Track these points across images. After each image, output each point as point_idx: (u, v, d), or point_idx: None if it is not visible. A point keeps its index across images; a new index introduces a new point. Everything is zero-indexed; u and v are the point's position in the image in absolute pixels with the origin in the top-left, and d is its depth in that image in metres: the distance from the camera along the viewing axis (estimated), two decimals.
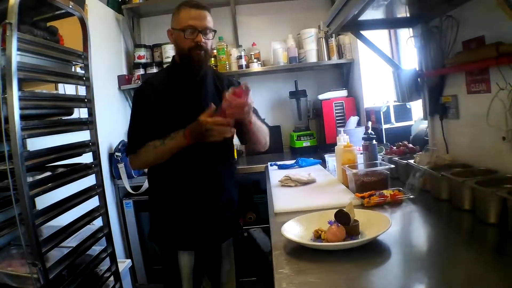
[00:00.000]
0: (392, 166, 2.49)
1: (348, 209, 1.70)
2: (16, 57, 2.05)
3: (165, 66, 4.76)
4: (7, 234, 2.48)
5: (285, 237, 1.71)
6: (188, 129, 2.38)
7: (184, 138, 2.39)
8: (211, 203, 2.65)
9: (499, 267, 1.41)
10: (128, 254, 4.51)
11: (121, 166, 4.35)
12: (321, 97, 4.65)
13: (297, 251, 1.66)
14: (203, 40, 2.55)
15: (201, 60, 2.59)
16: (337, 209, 1.72)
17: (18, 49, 2.09)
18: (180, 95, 2.62)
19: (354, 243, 1.58)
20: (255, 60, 4.98)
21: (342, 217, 1.68)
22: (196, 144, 2.40)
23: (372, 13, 2.57)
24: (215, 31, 2.68)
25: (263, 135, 2.77)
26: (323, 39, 4.87)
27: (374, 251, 1.56)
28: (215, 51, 4.98)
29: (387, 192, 2.21)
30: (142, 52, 5.16)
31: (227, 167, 2.78)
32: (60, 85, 3.28)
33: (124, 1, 5.10)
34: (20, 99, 2.09)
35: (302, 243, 1.66)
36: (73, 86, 3.29)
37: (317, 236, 1.69)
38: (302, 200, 2.45)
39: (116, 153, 4.39)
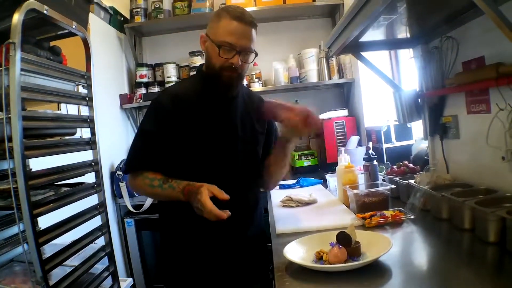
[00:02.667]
0: (393, 186, 2.50)
1: (350, 231, 1.70)
2: (19, 77, 2.07)
3: (191, 75, 4.85)
4: (9, 251, 2.49)
5: (287, 258, 1.72)
6: (189, 187, 2.02)
7: (182, 194, 2.04)
8: (240, 237, 2.32)
9: (499, 285, 1.42)
10: (129, 273, 4.51)
11: (122, 185, 4.36)
12: (322, 116, 4.65)
13: (299, 272, 1.67)
14: (239, 62, 2.17)
15: (230, 84, 2.24)
16: (338, 230, 1.73)
17: (22, 69, 2.10)
18: (205, 115, 2.26)
19: (355, 264, 1.59)
20: (256, 80, 5.01)
21: (343, 238, 1.68)
22: (220, 165, 2.21)
23: (373, 34, 2.59)
24: (256, 54, 2.28)
25: (288, 165, 2.48)
26: (324, 59, 4.91)
27: (376, 272, 1.57)
28: None
29: (388, 213, 2.21)
30: (144, 71, 5.18)
31: (255, 192, 2.48)
32: (62, 104, 3.30)
33: (126, 20, 5.14)
34: (23, 118, 2.10)
35: (304, 265, 1.67)
36: (76, 105, 3.31)
37: (319, 258, 1.69)
38: (304, 221, 2.44)
39: (118, 172, 4.40)
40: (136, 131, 5.16)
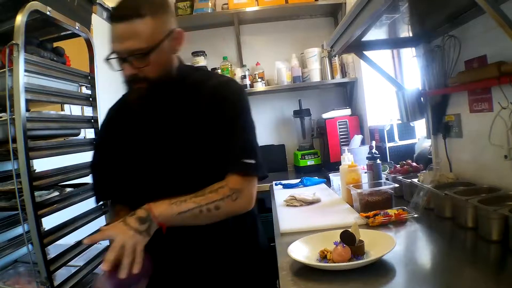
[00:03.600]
0: (396, 185, 2.50)
1: (353, 230, 1.71)
2: (23, 78, 2.08)
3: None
4: (14, 251, 2.50)
5: (291, 257, 1.73)
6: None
7: None
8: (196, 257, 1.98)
9: (502, 283, 1.43)
10: None
11: None
12: (325, 116, 4.67)
13: (304, 271, 1.67)
14: (132, 71, 1.76)
15: (141, 97, 1.84)
16: (342, 229, 1.73)
17: (25, 70, 2.11)
18: (131, 130, 2.00)
19: (359, 263, 1.59)
20: (259, 80, 5.01)
21: (347, 237, 1.69)
22: (156, 178, 1.92)
23: (375, 33, 2.60)
24: (152, 49, 1.72)
25: (212, 216, 1.77)
26: (326, 58, 4.91)
27: (379, 270, 1.57)
28: (219, 70, 5.03)
29: (391, 212, 2.22)
30: None
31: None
32: (66, 105, 3.31)
33: None
34: (27, 120, 2.11)
35: (309, 264, 1.67)
36: (79, 106, 3.31)
37: (323, 257, 1.69)
38: (307, 220, 2.45)
39: None
40: None
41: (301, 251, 1.79)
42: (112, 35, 1.73)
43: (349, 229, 1.71)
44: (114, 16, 1.71)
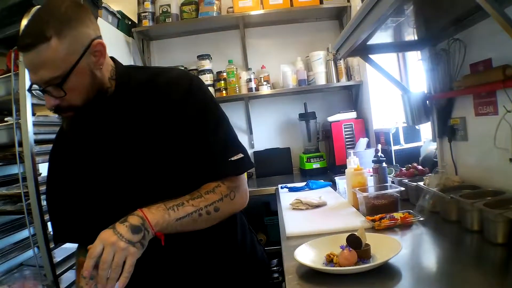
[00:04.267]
0: (402, 188, 2.50)
1: (360, 233, 1.71)
2: (29, 82, 2.08)
3: None
4: (19, 255, 2.51)
5: (297, 261, 1.73)
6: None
7: None
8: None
9: (508, 286, 1.43)
10: None
11: None
12: (330, 119, 4.67)
13: (310, 275, 1.67)
14: (52, 102, 1.54)
15: (73, 125, 1.65)
16: (348, 233, 1.73)
17: None
18: (85, 156, 1.78)
19: (365, 267, 1.59)
20: (264, 83, 5.02)
21: (353, 241, 1.69)
22: (118, 196, 1.71)
23: (381, 37, 2.60)
24: (64, 78, 1.49)
25: (213, 218, 1.68)
26: (332, 61, 4.91)
27: (386, 274, 1.57)
28: (224, 74, 5.05)
29: (397, 215, 2.21)
30: None
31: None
32: None
33: (134, 24, 5.16)
34: (34, 124, 2.12)
35: (315, 268, 1.67)
36: None
37: (329, 260, 1.69)
38: (314, 223, 2.45)
39: None
40: None
41: (307, 255, 1.79)
42: (25, 66, 1.53)
43: (356, 233, 1.71)
44: (19, 45, 1.47)
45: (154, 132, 1.71)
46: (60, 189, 1.80)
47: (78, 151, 1.77)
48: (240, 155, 1.75)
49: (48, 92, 1.52)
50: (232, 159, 1.72)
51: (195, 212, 1.60)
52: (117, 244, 1.39)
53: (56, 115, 1.66)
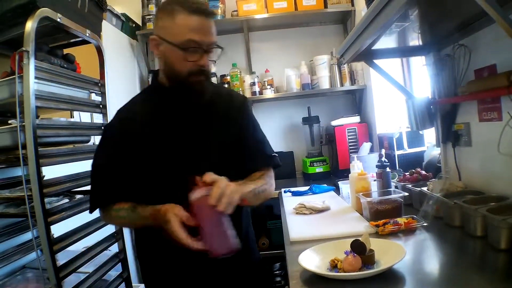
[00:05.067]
0: (406, 194, 2.51)
1: (364, 239, 1.71)
2: (33, 85, 2.09)
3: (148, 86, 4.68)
4: (21, 257, 2.51)
5: (301, 266, 1.73)
6: (154, 213, 1.77)
7: (152, 220, 1.78)
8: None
9: None
10: (140, 279, 4.52)
11: None
12: (334, 123, 4.67)
13: (314, 280, 1.68)
14: (207, 62, 1.87)
15: (202, 91, 1.94)
16: (352, 238, 1.74)
17: (35, 77, 2.12)
18: (159, 133, 1.97)
19: (369, 273, 1.59)
20: (268, 87, 5.02)
21: (357, 246, 1.69)
22: (182, 183, 1.71)
23: (385, 41, 2.60)
24: (222, 49, 1.97)
25: (263, 198, 2.01)
26: (336, 65, 4.92)
27: (389, 279, 1.58)
28: (228, 77, 5.05)
29: (401, 220, 2.22)
30: None
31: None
32: (75, 112, 3.32)
33: (138, 27, 5.17)
34: (38, 127, 2.12)
35: (319, 273, 1.67)
36: (88, 112, 3.32)
37: (334, 266, 1.70)
38: (317, 228, 2.45)
39: None
40: None
41: (311, 260, 1.80)
42: (195, 27, 1.80)
43: (360, 238, 1.71)
44: (199, 9, 1.81)
45: (219, 125, 2.07)
46: (119, 156, 1.95)
47: (157, 122, 1.98)
48: (275, 154, 2.18)
49: (210, 53, 1.88)
50: (273, 154, 2.16)
51: (256, 188, 1.91)
52: (230, 183, 1.69)
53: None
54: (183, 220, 1.65)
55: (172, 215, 1.66)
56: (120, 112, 2.05)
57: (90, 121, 3.32)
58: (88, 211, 2.04)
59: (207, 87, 1.96)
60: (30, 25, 2.10)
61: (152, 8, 5.04)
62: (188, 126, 2.00)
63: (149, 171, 1.93)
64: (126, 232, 4.22)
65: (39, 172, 2.07)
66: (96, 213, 2.54)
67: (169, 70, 1.91)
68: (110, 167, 1.95)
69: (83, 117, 3.42)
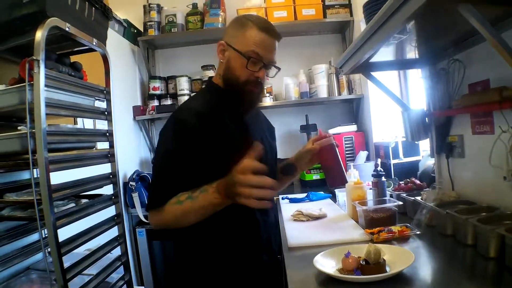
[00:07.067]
0: (400, 203, 2.56)
1: (374, 249, 1.75)
2: (44, 93, 2.14)
3: (202, 88, 4.63)
4: (26, 259, 2.56)
5: (317, 269, 1.79)
6: (221, 182, 1.76)
7: (218, 193, 1.75)
8: (267, 252, 2.19)
9: None
10: (140, 282, 4.57)
11: (135, 195, 4.44)
12: (331, 131, 4.71)
13: (313, 285, 1.74)
14: (263, 76, 2.12)
15: (254, 99, 2.17)
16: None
17: (45, 85, 2.17)
18: (231, 132, 2.07)
19: (381, 276, 1.67)
20: (267, 95, 5.07)
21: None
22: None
23: (383, 55, 2.69)
24: (279, 69, 2.33)
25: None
26: (334, 74, 4.98)
27: (380, 286, 1.64)
28: None
29: (395, 228, 2.27)
30: (156, 83, 5.26)
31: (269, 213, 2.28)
32: (79, 118, 3.38)
33: (140, 33, 5.24)
34: (48, 133, 2.18)
35: (337, 277, 1.73)
36: (91, 119, 3.38)
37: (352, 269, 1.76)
38: (315, 235, 2.50)
39: (131, 183, 4.49)
40: (148, 142, 5.23)
41: (327, 264, 1.86)
42: (261, 42, 2.09)
43: (370, 249, 1.77)
44: (268, 29, 2.13)
45: (270, 137, 2.55)
46: (193, 150, 1.95)
47: (228, 127, 2.10)
48: None
49: (268, 69, 2.19)
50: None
51: None
52: None
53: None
54: (255, 168, 1.69)
55: (239, 176, 1.68)
56: (191, 108, 2.11)
57: (93, 127, 3.38)
58: (92, 214, 2.13)
59: (260, 98, 2.30)
60: (40, 34, 2.14)
61: (154, 15, 5.11)
62: (252, 129, 2.26)
63: (222, 166, 1.82)
64: (127, 235, 4.28)
65: (49, 178, 2.13)
66: (99, 217, 2.62)
67: (230, 74, 2.12)
68: (184, 157, 1.92)
69: (86, 123, 3.48)
